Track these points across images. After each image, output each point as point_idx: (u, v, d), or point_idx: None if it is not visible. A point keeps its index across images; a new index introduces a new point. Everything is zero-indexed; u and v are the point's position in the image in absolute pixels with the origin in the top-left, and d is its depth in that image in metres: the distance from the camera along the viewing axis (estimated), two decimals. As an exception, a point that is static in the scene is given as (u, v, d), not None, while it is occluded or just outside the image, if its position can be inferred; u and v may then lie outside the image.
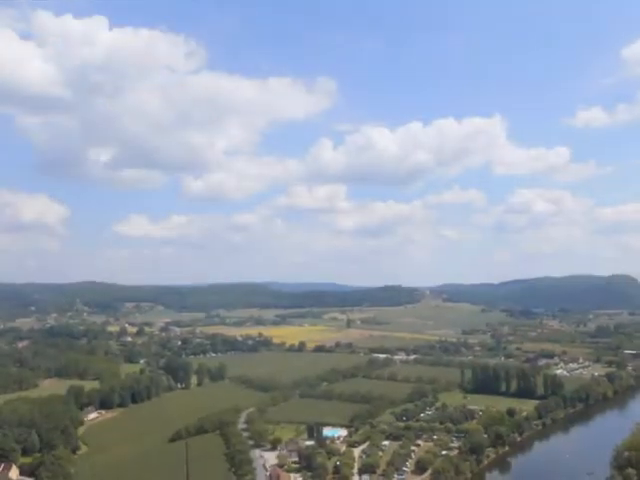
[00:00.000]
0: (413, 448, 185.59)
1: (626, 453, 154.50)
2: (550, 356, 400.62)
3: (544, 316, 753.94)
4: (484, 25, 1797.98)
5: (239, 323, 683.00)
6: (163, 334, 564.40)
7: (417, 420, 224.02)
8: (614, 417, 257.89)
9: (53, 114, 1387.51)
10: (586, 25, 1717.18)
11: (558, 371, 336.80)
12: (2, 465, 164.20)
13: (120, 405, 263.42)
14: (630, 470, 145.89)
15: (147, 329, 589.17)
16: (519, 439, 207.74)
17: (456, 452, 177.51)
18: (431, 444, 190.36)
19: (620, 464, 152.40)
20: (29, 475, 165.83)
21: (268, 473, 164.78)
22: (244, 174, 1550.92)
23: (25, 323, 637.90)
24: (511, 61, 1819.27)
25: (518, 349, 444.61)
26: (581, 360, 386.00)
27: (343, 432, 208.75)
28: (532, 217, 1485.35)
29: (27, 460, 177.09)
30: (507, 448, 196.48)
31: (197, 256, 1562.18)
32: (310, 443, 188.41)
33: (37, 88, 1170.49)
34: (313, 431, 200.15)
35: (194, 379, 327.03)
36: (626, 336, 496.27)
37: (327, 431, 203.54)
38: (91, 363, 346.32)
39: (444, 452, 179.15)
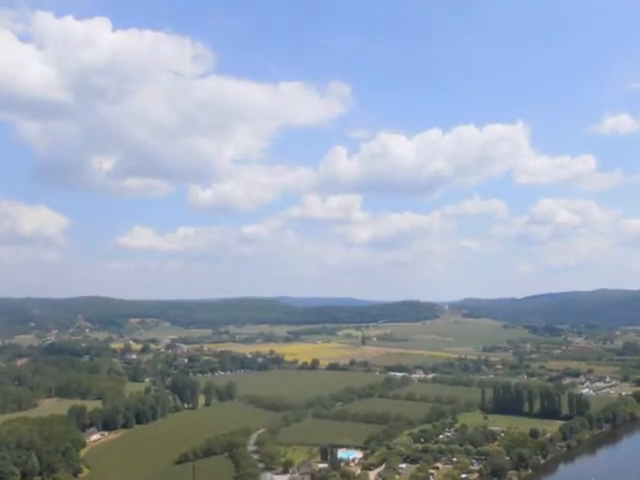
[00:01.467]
0: (431, 471, 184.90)
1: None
2: (575, 375, 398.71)
3: (569, 332, 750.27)
4: (505, 28, 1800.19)
5: (249, 340, 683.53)
6: (169, 351, 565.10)
7: (436, 442, 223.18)
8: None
9: (53, 120, 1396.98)
10: (611, 29, 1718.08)
11: (584, 390, 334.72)
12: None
13: (124, 426, 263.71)
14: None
15: (152, 346, 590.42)
16: (543, 461, 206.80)
17: (477, 475, 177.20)
18: (450, 467, 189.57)
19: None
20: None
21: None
22: (254, 183, 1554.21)
23: (24, 340, 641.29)
24: (534, 65, 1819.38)
25: (542, 367, 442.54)
26: (608, 379, 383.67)
27: (358, 454, 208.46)
28: (556, 228, 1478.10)
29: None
30: (530, 471, 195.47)
31: (205, 270, 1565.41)
32: (324, 466, 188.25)
33: (37, 92, 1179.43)
34: (327, 453, 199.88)
35: (202, 399, 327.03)
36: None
37: (341, 453, 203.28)
38: (93, 382, 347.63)
39: (464, 475, 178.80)
